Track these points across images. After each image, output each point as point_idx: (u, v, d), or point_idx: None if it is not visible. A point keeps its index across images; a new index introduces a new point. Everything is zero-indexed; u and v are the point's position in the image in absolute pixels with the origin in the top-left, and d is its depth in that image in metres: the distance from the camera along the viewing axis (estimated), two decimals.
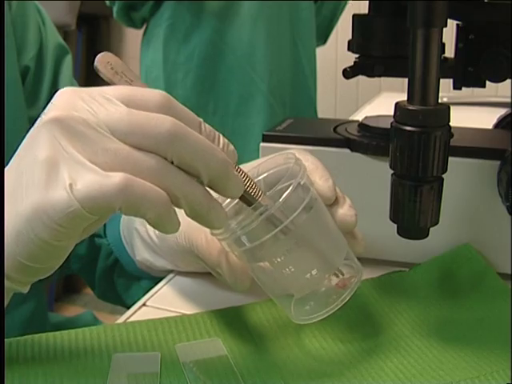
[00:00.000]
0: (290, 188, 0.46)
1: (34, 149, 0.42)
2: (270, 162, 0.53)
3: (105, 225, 0.76)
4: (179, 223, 0.43)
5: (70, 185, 0.40)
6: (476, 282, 0.61)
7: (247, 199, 0.46)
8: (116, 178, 0.40)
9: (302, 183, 0.47)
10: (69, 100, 0.42)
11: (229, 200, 0.51)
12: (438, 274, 0.62)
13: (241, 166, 0.48)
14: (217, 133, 0.45)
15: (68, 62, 0.80)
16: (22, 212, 0.41)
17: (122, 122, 0.41)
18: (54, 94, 0.44)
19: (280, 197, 0.46)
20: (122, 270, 0.75)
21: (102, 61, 0.45)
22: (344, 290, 0.49)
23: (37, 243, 0.41)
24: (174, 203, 0.42)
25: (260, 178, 0.53)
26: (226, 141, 0.46)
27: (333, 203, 0.55)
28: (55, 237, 0.41)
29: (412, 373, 0.49)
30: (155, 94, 0.43)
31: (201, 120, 0.45)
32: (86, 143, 0.41)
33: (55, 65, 0.78)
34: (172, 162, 0.42)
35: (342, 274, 0.49)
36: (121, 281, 0.76)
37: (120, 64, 0.45)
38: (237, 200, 0.52)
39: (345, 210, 0.55)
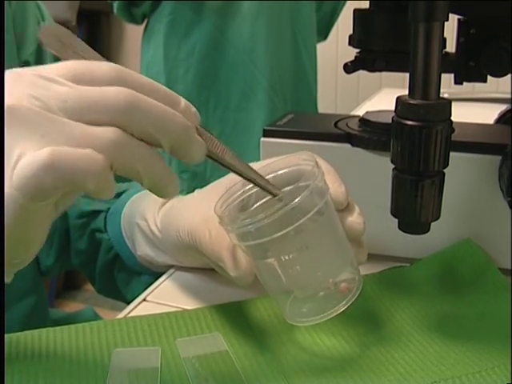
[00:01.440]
0: (308, 188, 0.46)
1: None
2: (282, 162, 0.53)
3: (105, 219, 0.76)
4: (114, 188, 0.40)
5: (11, 178, 0.38)
6: (477, 277, 0.61)
7: (213, 159, 0.45)
8: (43, 153, 0.37)
9: (318, 186, 0.47)
10: (13, 87, 0.40)
11: (237, 194, 0.51)
12: (439, 269, 0.62)
13: (252, 164, 0.47)
14: (175, 95, 0.43)
15: None
16: None
17: (72, 100, 0.39)
18: None
19: (295, 196, 0.46)
20: (123, 265, 0.75)
21: (47, 33, 0.42)
22: (344, 295, 0.49)
23: (7, 242, 0.40)
24: (131, 175, 0.41)
25: (271, 175, 0.52)
26: (187, 103, 0.43)
27: (343, 209, 0.55)
28: (20, 232, 0.40)
29: (413, 368, 0.49)
30: (105, 68, 0.41)
31: (158, 85, 0.42)
32: (38, 131, 0.38)
33: (55, 60, 0.78)
34: (132, 134, 0.40)
35: (344, 281, 0.49)
36: (121, 276, 0.76)
37: (68, 34, 0.42)
38: (245, 195, 0.52)
39: (354, 218, 0.55)
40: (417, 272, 0.62)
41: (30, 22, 0.75)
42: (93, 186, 0.38)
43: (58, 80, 0.40)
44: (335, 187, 0.54)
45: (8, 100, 0.39)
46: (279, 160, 0.53)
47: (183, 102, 0.43)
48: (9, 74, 0.41)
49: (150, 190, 0.42)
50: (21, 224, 0.39)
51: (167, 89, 0.42)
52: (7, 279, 0.44)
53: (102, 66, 0.41)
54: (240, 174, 0.46)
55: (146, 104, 0.40)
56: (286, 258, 0.47)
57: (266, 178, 0.52)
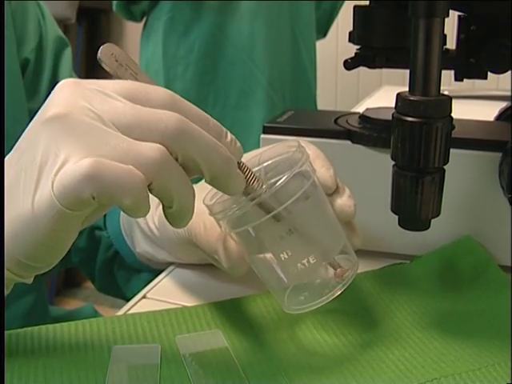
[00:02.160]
0: (290, 172, 0.46)
1: (34, 148, 0.41)
2: (272, 151, 0.53)
3: (105, 217, 0.76)
4: (150, 207, 0.41)
5: (52, 184, 0.39)
6: (477, 273, 0.61)
7: (249, 194, 0.46)
8: (84, 163, 0.38)
9: (302, 169, 0.47)
10: (70, 96, 0.41)
11: None
12: (439, 266, 0.62)
13: (243, 155, 0.47)
14: (224, 129, 0.44)
15: (68, 55, 0.80)
16: (18, 215, 0.40)
17: (125, 115, 0.40)
18: (54, 85, 0.43)
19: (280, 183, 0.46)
20: (122, 263, 0.75)
21: (106, 52, 0.44)
22: (340, 281, 0.49)
23: (33, 245, 0.41)
24: (164, 198, 0.41)
25: (261, 166, 0.52)
26: (233, 137, 0.45)
27: (332, 193, 0.55)
28: (51, 239, 0.41)
29: (413, 364, 0.49)
30: (160, 92, 0.42)
31: (207, 116, 0.44)
32: (87, 140, 0.39)
33: (55, 57, 0.78)
34: (176, 158, 0.41)
35: (339, 265, 0.49)
36: (121, 273, 0.76)
37: (124, 56, 0.44)
38: None
39: (344, 201, 0.55)
40: (417, 269, 0.62)
41: (30, 20, 0.75)
42: (129, 203, 0.39)
43: (114, 96, 0.41)
44: (323, 171, 0.54)
45: (61, 108, 0.40)
46: (268, 150, 0.53)
47: (229, 135, 0.44)
48: (66, 82, 0.42)
49: (171, 217, 0.43)
50: (52, 230, 0.40)
51: (215, 121, 0.44)
52: (28, 281, 0.45)
53: (158, 90, 0.42)
54: (268, 203, 0.46)
55: (195, 131, 0.41)
56: (277, 243, 0.47)
57: (256, 169, 0.52)
